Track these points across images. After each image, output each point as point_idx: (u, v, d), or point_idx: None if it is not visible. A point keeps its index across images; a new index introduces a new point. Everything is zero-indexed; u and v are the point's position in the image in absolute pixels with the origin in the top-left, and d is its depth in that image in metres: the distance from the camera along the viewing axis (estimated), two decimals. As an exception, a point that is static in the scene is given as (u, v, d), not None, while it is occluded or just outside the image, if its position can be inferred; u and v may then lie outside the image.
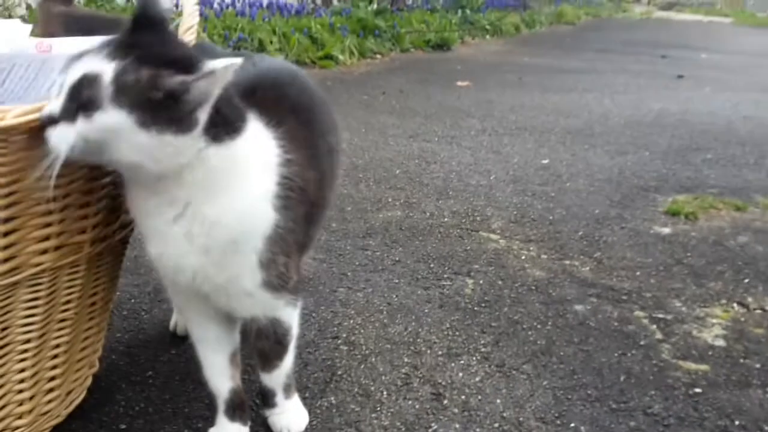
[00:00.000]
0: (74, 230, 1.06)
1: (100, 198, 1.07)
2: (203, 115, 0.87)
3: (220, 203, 0.94)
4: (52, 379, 1.16)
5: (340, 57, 5.34)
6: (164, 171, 0.90)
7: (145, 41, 0.89)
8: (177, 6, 1.26)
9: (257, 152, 0.97)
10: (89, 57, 0.87)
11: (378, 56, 5.93)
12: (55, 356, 1.14)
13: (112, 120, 0.84)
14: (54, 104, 0.87)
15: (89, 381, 1.28)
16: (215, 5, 5.40)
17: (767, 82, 5.38)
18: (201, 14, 4.55)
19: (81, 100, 0.85)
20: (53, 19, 1.43)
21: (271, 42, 4.95)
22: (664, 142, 3.33)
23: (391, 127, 3.46)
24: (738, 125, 3.77)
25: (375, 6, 6.75)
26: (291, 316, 1.13)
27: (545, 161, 2.96)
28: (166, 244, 0.98)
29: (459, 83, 4.82)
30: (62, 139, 0.86)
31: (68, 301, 1.12)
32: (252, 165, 0.96)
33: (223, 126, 0.91)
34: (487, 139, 3.31)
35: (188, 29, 1.14)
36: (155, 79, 0.84)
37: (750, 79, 5.58)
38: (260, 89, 1.07)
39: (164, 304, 1.60)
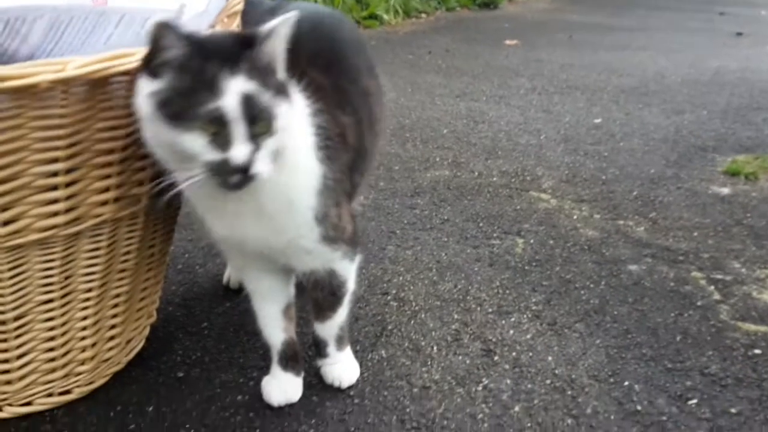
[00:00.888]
0: (133, 183, 1.08)
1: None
2: (281, 74, 0.92)
3: (276, 164, 0.94)
4: (113, 327, 1.19)
5: (385, 16, 5.26)
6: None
7: (230, 44, 0.91)
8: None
9: (294, 104, 0.97)
10: (224, 86, 0.85)
11: (423, 15, 5.81)
12: (116, 305, 1.18)
13: (285, 114, 0.90)
14: (242, 146, 0.86)
15: (147, 330, 1.32)
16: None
17: (834, 39, 5.11)
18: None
19: (258, 119, 0.87)
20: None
21: (316, 1, 4.90)
22: (723, 101, 3.20)
23: (438, 87, 3.40)
24: (802, 83, 3.59)
25: (421, -36, 6.60)
26: (347, 269, 1.14)
27: (597, 120, 2.88)
28: (236, 223, 1.00)
29: (507, 42, 4.70)
30: (265, 166, 0.89)
31: (127, 252, 1.14)
32: (292, 118, 0.96)
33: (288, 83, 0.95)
34: (537, 98, 3.24)
35: (231, 15, 1.14)
36: (266, 58, 0.90)
37: (815, 35, 5.31)
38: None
39: (218, 258, 1.62)
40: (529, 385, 1.24)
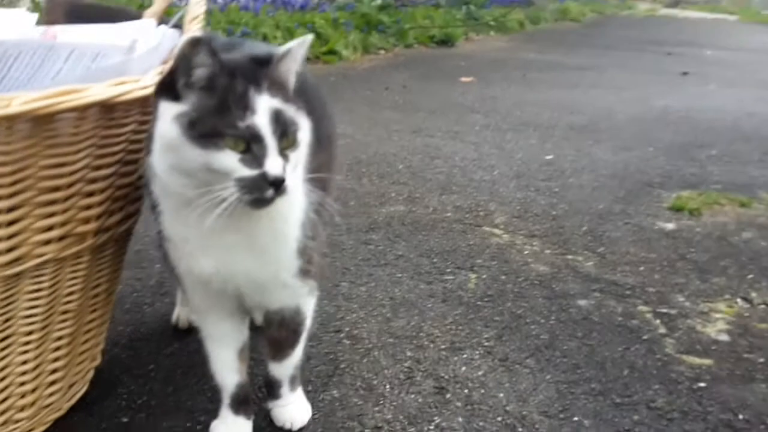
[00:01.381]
0: (78, 221, 1.06)
1: (104, 188, 1.07)
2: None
3: None
4: (55, 371, 1.16)
5: (344, 52, 5.33)
6: None
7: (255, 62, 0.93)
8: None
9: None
10: (252, 99, 0.87)
11: (382, 52, 5.91)
12: (58, 348, 1.14)
13: (306, 128, 0.93)
14: (276, 159, 0.87)
15: (91, 374, 1.28)
16: (219, 0, 5.39)
17: (772, 79, 5.36)
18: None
19: (285, 134, 0.88)
20: (57, 7, 1.44)
21: (275, 37, 4.94)
22: (668, 138, 3.32)
23: (395, 123, 3.45)
24: (743, 121, 3.75)
25: (379, 1, 6.72)
26: (309, 305, 1.15)
27: (549, 157, 2.95)
28: (227, 258, 0.98)
29: (463, 79, 4.80)
30: (294, 178, 0.90)
31: (71, 293, 1.12)
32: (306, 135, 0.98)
33: None
34: (491, 135, 3.31)
35: (194, 18, 1.13)
36: (286, 74, 0.94)
37: (755, 75, 5.56)
38: None
39: (166, 297, 1.59)
40: (481, 423, 1.24)
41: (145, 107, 1.03)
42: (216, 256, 0.98)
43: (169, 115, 0.87)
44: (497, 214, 2.26)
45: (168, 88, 0.88)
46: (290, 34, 5.05)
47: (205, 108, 0.86)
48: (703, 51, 7.23)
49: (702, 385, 1.37)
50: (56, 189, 1.00)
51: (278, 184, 0.86)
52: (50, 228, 1.02)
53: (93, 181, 1.03)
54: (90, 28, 1.07)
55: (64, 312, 1.12)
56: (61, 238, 1.04)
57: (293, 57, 0.93)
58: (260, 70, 0.90)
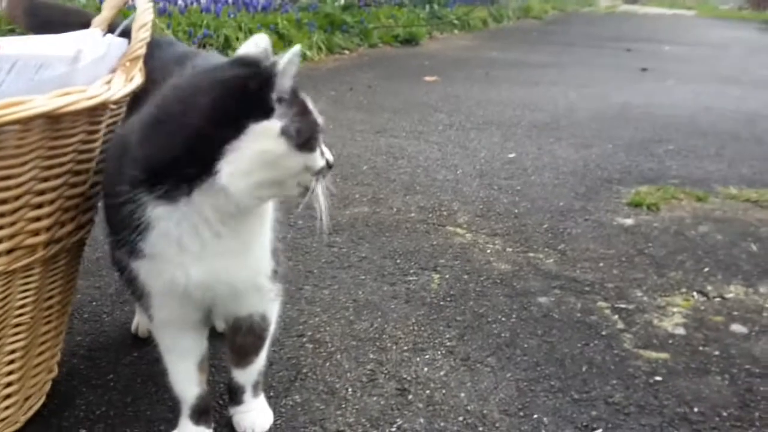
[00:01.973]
0: (27, 232, 1.04)
1: (54, 199, 1.05)
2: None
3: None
4: (9, 385, 1.13)
5: (308, 53, 5.31)
6: None
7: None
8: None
9: None
10: (307, 103, 0.95)
11: (346, 52, 5.90)
12: (11, 362, 1.12)
13: None
14: (326, 150, 0.98)
15: (48, 386, 1.26)
16: (179, 1, 5.33)
17: (729, 74, 5.49)
18: (164, 11, 4.44)
19: None
20: (17, 7, 1.42)
21: (237, 38, 4.90)
22: (628, 135, 3.37)
23: (359, 123, 3.45)
24: (700, 116, 3.83)
25: (342, 2, 6.71)
26: (274, 309, 1.16)
27: (511, 155, 2.98)
28: (216, 264, 0.98)
29: (427, 78, 4.82)
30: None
31: (23, 305, 1.10)
32: None
33: None
34: (455, 134, 3.33)
35: (142, 26, 1.12)
36: None
37: (712, 70, 5.68)
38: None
39: (126, 305, 1.57)
40: (442, 423, 1.25)
41: (92, 117, 1.02)
42: (209, 264, 0.97)
43: (272, 133, 0.89)
44: (460, 214, 2.27)
45: (255, 107, 0.88)
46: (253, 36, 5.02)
47: (297, 116, 0.91)
48: (661, 47, 7.37)
49: (658, 378, 1.40)
50: (3, 201, 0.98)
51: (331, 167, 0.98)
52: (-2, 241, 1.00)
53: (41, 192, 1.01)
54: (34, 39, 1.05)
55: (17, 325, 1.10)
56: (9, 251, 1.02)
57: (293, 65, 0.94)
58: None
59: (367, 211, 2.27)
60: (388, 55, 6.03)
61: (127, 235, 0.96)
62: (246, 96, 0.88)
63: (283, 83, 0.89)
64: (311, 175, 0.95)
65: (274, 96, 0.89)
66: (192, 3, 5.40)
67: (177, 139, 0.89)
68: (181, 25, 4.71)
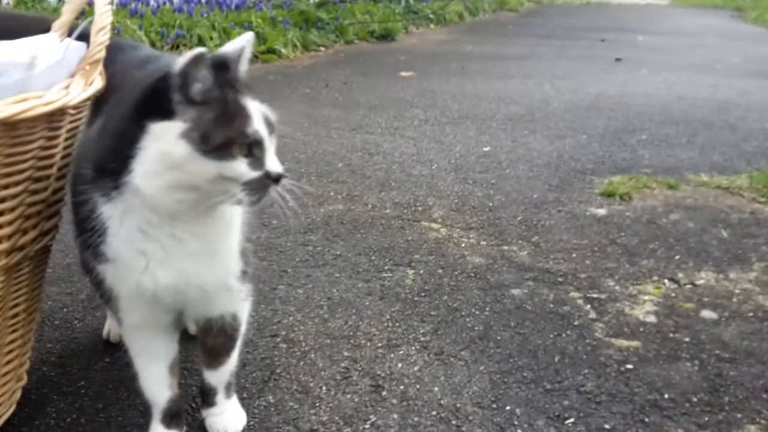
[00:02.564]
0: (-13, 241, 1.02)
1: (14, 207, 1.04)
2: None
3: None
4: (-24, 395, 1.12)
5: (283, 51, 5.29)
6: None
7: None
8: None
9: None
10: (249, 107, 0.91)
11: (322, 49, 5.89)
12: (-22, 372, 1.11)
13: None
14: (274, 160, 0.92)
15: (18, 394, 1.25)
16: (152, 2, 5.28)
17: (701, 62, 5.54)
18: (136, 12, 4.37)
19: (274, 130, 0.94)
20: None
21: (211, 38, 4.87)
22: (601, 125, 3.40)
23: (335, 120, 3.44)
24: (672, 105, 3.87)
25: (317, -2, 6.69)
26: (245, 309, 1.16)
27: (486, 149, 2.99)
28: (183, 266, 0.97)
29: (403, 74, 4.82)
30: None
31: (-13, 315, 1.08)
32: None
33: None
34: (430, 129, 3.33)
35: (101, 29, 1.11)
36: None
37: (685, 59, 5.74)
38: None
39: (97, 311, 1.56)
40: (416, 419, 1.25)
41: (51, 123, 1.01)
42: (176, 267, 0.97)
43: (171, 134, 0.87)
44: (435, 209, 2.28)
45: (156, 107, 0.88)
46: (227, 35, 4.99)
47: (209, 121, 0.87)
48: (635, 36, 7.42)
49: (629, 367, 1.42)
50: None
51: (279, 179, 0.92)
52: (-41, 250, 0.99)
53: (1, 200, 0.99)
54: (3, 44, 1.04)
55: (-18, 335, 1.09)
56: (-29, 260, 1.01)
57: (246, 56, 0.96)
58: (230, 74, 0.93)
59: (342, 209, 2.27)
60: (364, 51, 6.02)
61: (89, 236, 0.97)
62: (151, 96, 0.89)
63: (195, 85, 0.87)
64: (238, 184, 0.89)
65: (176, 97, 0.87)
66: (164, 3, 5.35)
67: (108, 135, 0.93)
68: (153, 26, 4.67)
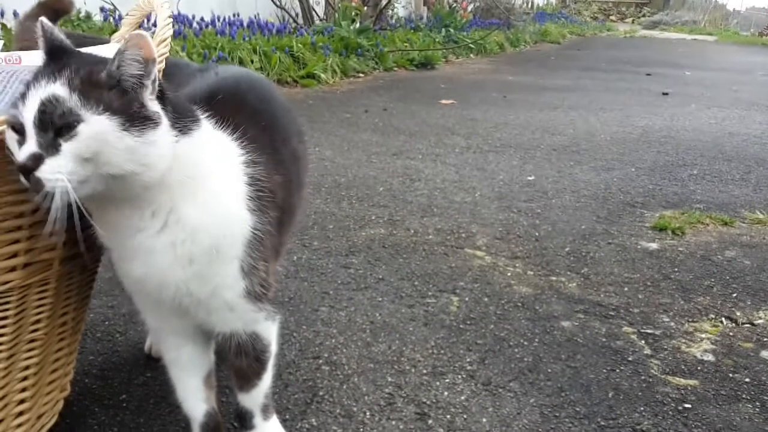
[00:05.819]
0: (43, 247, 1.02)
1: (71, 214, 1.03)
2: (154, 105, 0.87)
3: (200, 205, 0.93)
4: (22, 402, 1.11)
5: (322, 76, 5.34)
6: (153, 177, 0.87)
7: (69, 60, 0.89)
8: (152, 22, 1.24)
9: (222, 150, 0.98)
10: (31, 92, 0.83)
11: (361, 75, 5.93)
12: (25, 378, 1.10)
13: (98, 125, 0.82)
14: (27, 147, 0.82)
15: (60, 405, 1.23)
16: (194, 24, 5.38)
17: (751, 99, 5.43)
18: (180, 33, 4.48)
19: (56, 124, 0.81)
20: (28, 32, 1.41)
21: (252, 61, 4.94)
22: (650, 159, 3.33)
23: (375, 145, 3.44)
24: (723, 141, 3.78)
25: (358, 25, 6.76)
26: (270, 330, 1.10)
27: (531, 178, 2.94)
28: (151, 261, 0.94)
29: (443, 101, 4.82)
30: (57, 170, 0.81)
31: (37, 321, 1.08)
32: (221, 162, 0.96)
33: (183, 118, 0.92)
34: (472, 157, 3.30)
35: (161, 42, 1.11)
36: (98, 74, 0.85)
37: (734, 95, 5.64)
38: (220, 96, 1.08)
39: (139, 325, 1.55)
40: (463, 450, 1.20)
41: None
42: (138, 260, 0.94)
43: None
44: (479, 236, 2.24)
45: None
46: (267, 59, 5.06)
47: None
48: (682, 71, 7.33)
49: (687, 406, 1.35)
50: (19, 215, 0.97)
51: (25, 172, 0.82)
52: (14, 255, 0.98)
53: (58, 205, 0.99)
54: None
55: (31, 341, 1.08)
56: (25, 265, 1.00)
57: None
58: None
59: (383, 233, 2.24)
60: (403, 79, 6.05)
61: None
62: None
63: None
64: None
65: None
66: (207, 26, 5.45)
67: None
68: (195, 48, 4.75)
